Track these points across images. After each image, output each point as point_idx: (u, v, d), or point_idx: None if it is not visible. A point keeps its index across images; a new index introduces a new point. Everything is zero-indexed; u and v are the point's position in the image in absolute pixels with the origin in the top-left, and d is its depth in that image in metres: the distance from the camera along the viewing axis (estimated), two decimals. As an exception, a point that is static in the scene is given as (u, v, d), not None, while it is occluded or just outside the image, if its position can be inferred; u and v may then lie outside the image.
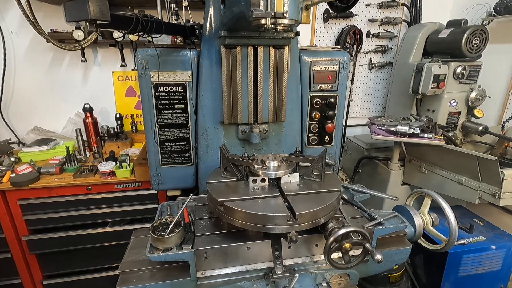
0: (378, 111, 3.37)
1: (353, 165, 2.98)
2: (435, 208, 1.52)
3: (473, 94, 2.43)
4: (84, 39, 1.99)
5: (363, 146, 2.93)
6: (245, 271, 1.24)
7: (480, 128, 2.41)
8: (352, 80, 3.13)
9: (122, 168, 2.20)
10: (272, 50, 1.59)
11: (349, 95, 3.18)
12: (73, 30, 2.33)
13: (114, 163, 2.25)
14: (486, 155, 1.88)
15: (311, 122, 1.95)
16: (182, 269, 1.22)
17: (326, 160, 2.02)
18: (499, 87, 2.77)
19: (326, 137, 2.01)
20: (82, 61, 2.54)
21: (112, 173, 2.20)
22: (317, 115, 1.93)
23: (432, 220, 1.56)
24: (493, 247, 2.21)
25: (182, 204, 1.33)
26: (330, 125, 1.96)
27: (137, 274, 1.22)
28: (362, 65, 3.16)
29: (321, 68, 1.85)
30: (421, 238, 1.58)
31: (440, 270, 2.21)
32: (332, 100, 1.91)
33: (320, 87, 1.89)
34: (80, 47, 1.14)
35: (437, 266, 2.25)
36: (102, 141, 2.69)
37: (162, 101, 1.72)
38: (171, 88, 1.71)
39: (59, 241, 2.29)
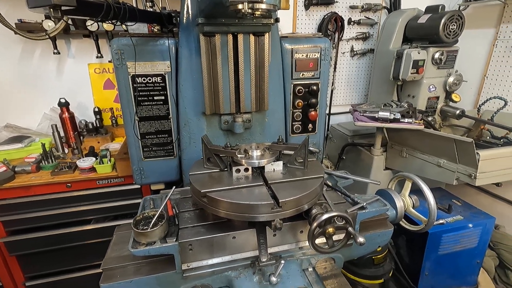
0: (361, 98, 3.41)
1: (338, 152, 3.02)
2: (416, 191, 1.57)
3: (450, 79, 2.49)
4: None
5: (347, 133, 2.97)
6: (231, 261, 1.24)
7: (458, 112, 2.49)
8: (335, 68, 3.14)
9: (103, 163, 2.13)
10: (252, 37, 1.56)
11: (332, 83, 3.20)
12: (42, 20, 2.21)
13: (94, 158, 2.18)
14: (463, 137, 1.95)
15: (294, 111, 1.95)
16: (167, 262, 1.20)
17: (310, 148, 2.04)
18: (475, 71, 2.85)
19: (310, 125, 2.02)
20: (54, 53, 2.42)
21: (92, 169, 2.13)
22: (300, 103, 1.92)
23: (413, 202, 1.61)
24: (470, 225, 2.31)
25: (165, 197, 1.30)
26: (313, 113, 1.97)
27: (121, 269, 1.20)
28: (344, 52, 3.17)
29: (302, 55, 1.83)
30: (403, 220, 1.63)
31: (421, 250, 2.30)
32: (315, 87, 1.91)
33: (302, 74, 1.88)
34: (47, 37, 1.06)
35: (418, 246, 2.33)
36: (81, 137, 2.60)
37: (140, 93, 1.66)
38: (149, 79, 1.65)
39: (40, 241, 2.22)
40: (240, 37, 1.53)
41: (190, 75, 1.67)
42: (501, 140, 2.40)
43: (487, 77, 2.78)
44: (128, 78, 1.61)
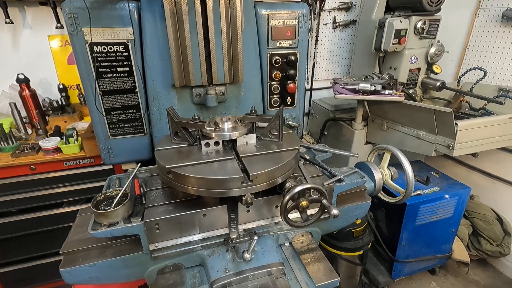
0: (343, 72, 3.33)
1: (320, 128, 2.97)
2: (395, 164, 1.54)
3: (432, 50, 2.44)
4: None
5: (329, 108, 2.91)
6: (203, 239, 1.18)
7: (438, 83, 2.46)
8: (316, 40, 3.02)
9: (69, 143, 1.99)
10: (222, 0, 1.42)
11: (314, 56, 3.09)
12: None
13: (58, 138, 2.02)
14: (442, 107, 1.92)
15: (272, 83, 1.85)
16: (135, 243, 1.13)
17: (290, 122, 1.97)
18: (457, 42, 2.81)
19: (289, 98, 1.93)
20: (6, 22, 2.17)
21: (57, 150, 1.99)
22: (277, 75, 1.82)
23: (391, 174, 1.59)
24: (447, 196, 2.36)
25: (131, 175, 1.21)
26: (291, 85, 1.88)
27: (83, 253, 1.12)
28: (326, 24, 3.03)
29: (279, 22, 1.71)
30: (381, 192, 1.62)
31: (400, 221, 2.34)
32: (293, 57, 1.80)
33: (279, 43, 1.76)
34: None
35: (397, 217, 2.37)
36: (46, 116, 2.41)
37: (101, 63, 1.51)
38: (110, 48, 1.50)
39: (7, 227, 2.10)
40: (209, 0, 1.39)
41: (156, 43, 1.53)
42: (479, 111, 2.41)
43: (468, 48, 2.75)
44: (85, 46, 1.45)
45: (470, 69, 2.47)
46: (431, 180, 2.47)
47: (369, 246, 2.32)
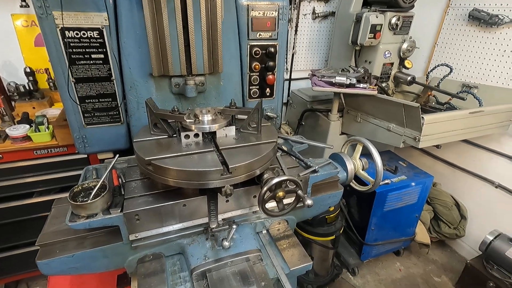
0: (322, 63, 3.40)
1: (298, 118, 3.04)
2: (368, 155, 1.63)
3: (404, 45, 2.55)
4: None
5: (307, 99, 2.97)
6: (183, 229, 1.21)
7: (409, 78, 2.59)
8: (296, 30, 3.04)
9: (39, 131, 1.90)
10: (202, -12, 1.40)
11: (293, 46, 3.11)
12: None
13: (28, 126, 1.93)
14: (410, 102, 2.04)
15: (251, 74, 1.86)
16: (113, 234, 1.14)
17: (268, 113, 2.00)
18: (427, 38, 2.95)
19: (268, 90, 1.96)
20: (-37, -2, 1.99)
21: (26, 138, 1.90)
22: (257, 66, 1.84)
23: (363, 165, 1.68)
24: (413, 184, 2.54)
25: (109, 166, 1.20)
26: (270, 76, 1.90)
27: (61, 244, 1.11)
28: (306, 14, 3.05)
29: (259, 13, 1.71)
30: (353, 181, 1.72)
31: (369, 208, 2.50)
32: (272, 49, 1.82)
33: (259, 35, 1.77)
34: None
35: (367, 204, 2.53)
36: (12, 102, 2.28)
37: (74, 50, 1.45)
38: (83, 33, 1.43)
39: (-27, 219, 2.01)
40: (188, -12, 1.37)
41: (133, 30, 1.48)
42: (444, 105, 2.58)
43: (437, 44, 2.90)
44: (56, 31, 1.38)
45: (438, 65, 2.61)
46: (399, 169, 2.64)
47: (341, 231, 2.47)
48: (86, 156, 2.08)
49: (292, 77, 3.23)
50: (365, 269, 2.86)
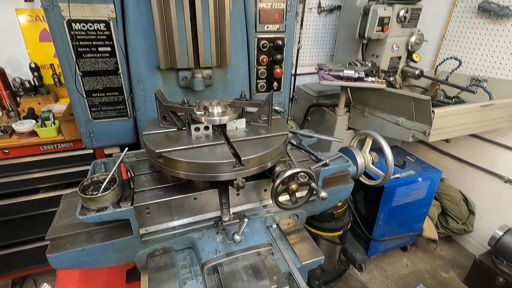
0: (327, 58, 3.36)
1: (303, 113, 3.01)
2: (377, 149, 1.61)
3: (412, 39, 2.51)
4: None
5: (312, 94, 2.94)
6: (193, 222, 1.20)
7: (417, 72, 2.55)
8: (301, 24, 3.00)
9: (45, 126, 1.89)
10: (210, -21, 1.38)
11: (299, 41, 3.08)
12: None
13: (34, 121, 1.92)
14: (421, 95, 2.01)
15: (259, 67, 1.84)
16: (123, 228, 1.13)
17: (276, 108, 1.98)
18: (435, 31, 2.91)
19: (275, 83, 1.94)
20: (-33, -7, 1.97)
21: (33, 133, 1.89)
22: (264, 59, 1.82)
23: (372, 159, 1.66)
24: (420, 179, 2.51)
25: (118, 160, 1.18)
26: (278, 70, 1.88)
27: (71, 238, 1.10)
28: (311, 8, 3.01)
29: (267, 5, 1.69)
30: (362, 175, 1.69)
31: (377, 203, 2.48)
32: (280, 42, 1.80)
33: (267, 27, 1.75)
34: None
35: (374, 199, 2.50)
36: (17, 97, 2.27)
37: (81, 42, 1.43)
38: (90, 26, 1.42)
39: (-20, 214, 2.00)
40: (196, -22, 1.34)
41: (140, 23, 1.46)
42: (453, 99, 2.54)
43: (445, 37, 2.85)
44: (63, 23, 1.37)
45: (447, 59, 2.57)
46: (407, 164, 2.61)
47: (348, 227, 2.45)
48: (92, 151, 2.07)
49: (298, 72, 3.20)
50: (372, 265, 2.85)
